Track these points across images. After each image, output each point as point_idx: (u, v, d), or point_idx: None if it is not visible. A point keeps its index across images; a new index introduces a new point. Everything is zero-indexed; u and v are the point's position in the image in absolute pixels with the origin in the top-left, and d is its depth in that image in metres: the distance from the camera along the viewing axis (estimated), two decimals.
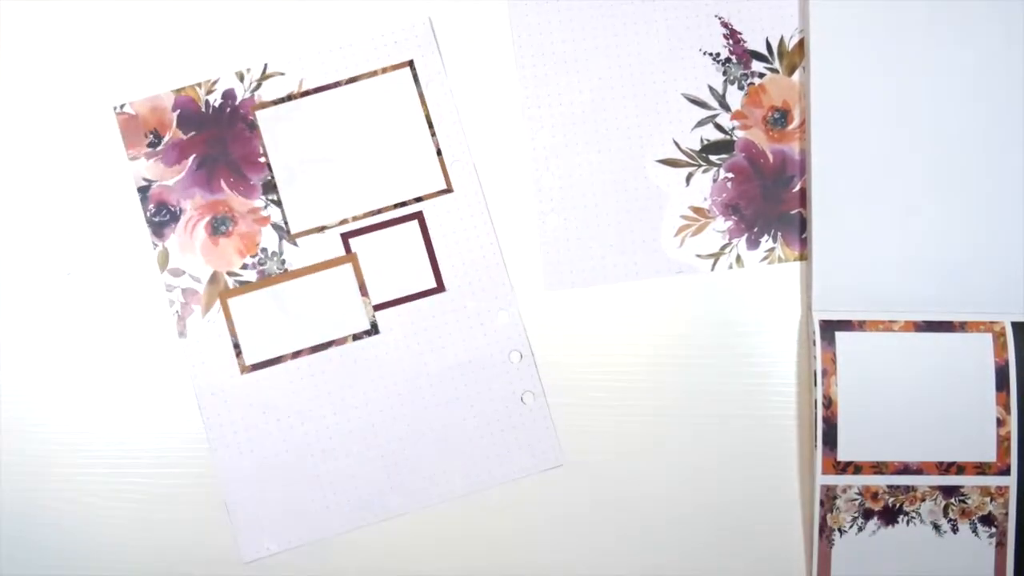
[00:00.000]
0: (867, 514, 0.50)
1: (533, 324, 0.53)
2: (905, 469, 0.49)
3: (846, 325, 0.50)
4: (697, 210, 0.53)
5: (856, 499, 0.50)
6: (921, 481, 0.49)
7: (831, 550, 0.50)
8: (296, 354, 0.53)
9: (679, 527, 0.52)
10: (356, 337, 0.53)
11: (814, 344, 0.50)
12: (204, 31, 0.55)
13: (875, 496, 0.50)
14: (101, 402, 0.53)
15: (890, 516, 0.50)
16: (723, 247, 0.53)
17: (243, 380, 0.53)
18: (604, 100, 0.54)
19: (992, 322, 0.50)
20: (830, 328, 0.50)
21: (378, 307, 0.53)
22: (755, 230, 0.53)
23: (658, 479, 0.52)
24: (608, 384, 0.53)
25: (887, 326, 0.50)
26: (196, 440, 0.53)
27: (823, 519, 0.50)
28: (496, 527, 0.52)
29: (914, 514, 0.50)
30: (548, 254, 0.53)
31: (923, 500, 0.50)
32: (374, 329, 0.53)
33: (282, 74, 0.54)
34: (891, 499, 0.50)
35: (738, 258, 0.53)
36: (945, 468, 0.49)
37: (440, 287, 0.53)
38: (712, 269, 0.53)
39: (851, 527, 0.50)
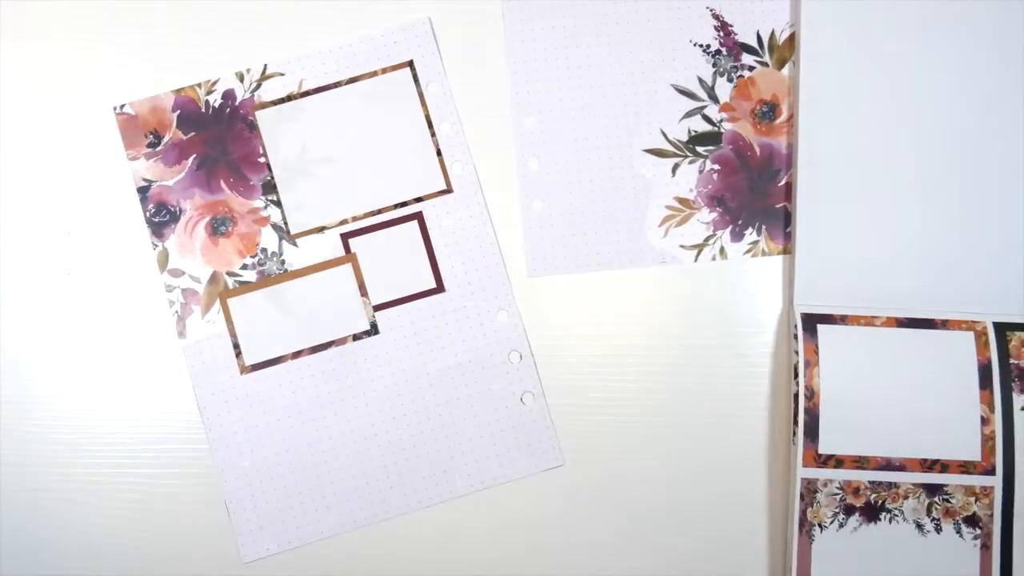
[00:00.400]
0: (848, 510, 0.49)
1: (533, 325, 0.53)
2: (888, 465, 0.49)
3: (828, 319, 0.50)
4: (682, 201, 0.53)
5: (837, 494, 0.49)
6: (904, 478, 0.49)
7: (811, 546, 0.49)
8: (296, 354, 0.53)
9: (679, 526, 0.52)
10: (356, 337, 0.53)
11: (795, 337, 0.50)
12: (204, 31, 0.55)
13: (857, 492, 0.49)
14: (101, 402, 0.53)
15: (872, 513, 0.49)
16: (707, 239, 0.53)
17: (243, 380, 0.53)
18: (593, 88, 0.54)
19: (974, 321, 0.50)
20: (812, 321, 0.50)
21: (378, 307, 0.53)
22: (739, 222, 0.53)
23: (658, 479, 0.52)
24: (608, 384, 0.53)
25: (869, 321, 0.50)
26: (196, 440, 0.53)
27: (803, 513, 0.49)
28: (496, 527, 0.52)
29: (896, 512, 0.49)
30: (531, 240, 0.53)
31: (906, 498, 0.49)
32: (374, 329, 0.53)
33: (282, 74, 0.54)
34: (873, 495, 0.49)
35: (722, 250, 0.53)
36: (929, 466, 0.49)
37: (440, 287, 0.53)
38: (695, 260, 0.53)
39: (832, 522, 0.49)
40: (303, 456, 0.52)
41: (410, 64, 0.54)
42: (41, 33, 0.55)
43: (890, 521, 0.49)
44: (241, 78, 0.54)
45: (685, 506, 0.52)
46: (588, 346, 0.53)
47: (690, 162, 0.53)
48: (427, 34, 0.55)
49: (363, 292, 0.53)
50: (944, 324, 0.50)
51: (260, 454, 0.52)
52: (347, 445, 0.52)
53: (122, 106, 0.54)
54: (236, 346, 0.53)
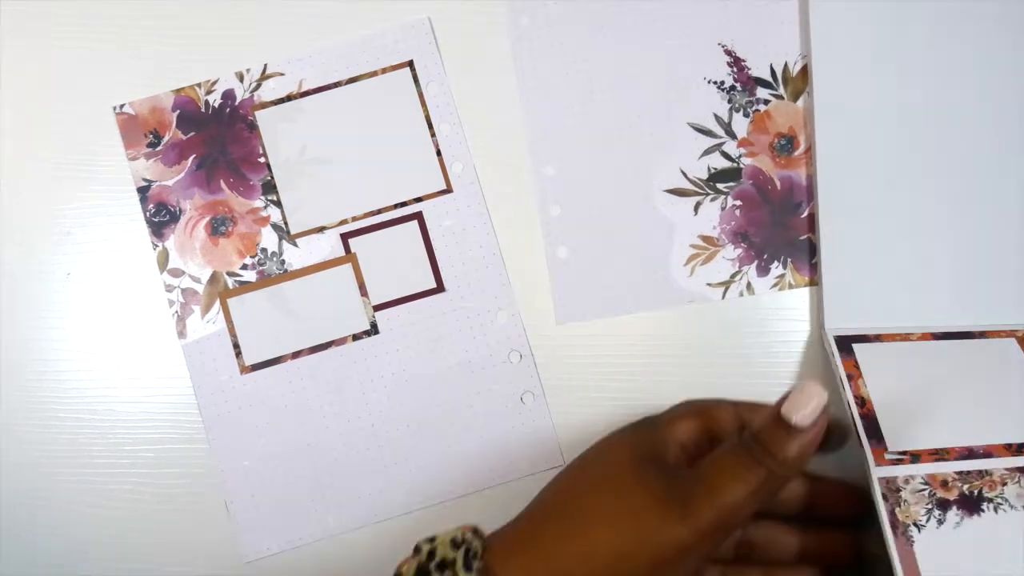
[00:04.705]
0: (942, 504, 0.44)
1: (533, 324, 0.53)
2: (970, 454, 0.44)
3: (862, 339, 0.49)
4: (706, 239, 0.53)
5: (924, 488, 0.44)
6: (994, 464, 0.44)
7: (913, 548, 0.43)
8: (296, 354, 0.53)
9: None
10: (356, 337, 0.53)
11: (832, 355, 0.49)
12: (204, 31, 0.55)
13: (945, 484, 0.44)
14: (100, 402, 0.53)
15: (971, 505, 0.44)
16: (733, 275, 0.53)
17: (243, 380, 0.53)
18: (610, 131, 0.54)
19: (1013, 329, 0.49)
20: (846, 341, 0.49)
21: (378, 307, 0.53)
22: (765, 257, 0.53)
23: None
24: (608, 384, 0.53)
25: (904, 337, 0.49)
26: (196, 440, 0.53)
27: (891, 514, 0.44)
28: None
29: (999, 499, 0.44)
30: (558, 287, 0.53)
31: (1004, 484, 0.44)
32: (374, 329, 0.53)
33: (282, 74, 0.54)
34: (965, 486, 0.44)
35: (748, 285, 0.53)
36: (1016, 449, 0.45)
37: (440, 287, 0.53)
38: (723, 297, 0.53)
39: (927, 519, 0.44)
40: (303, 456, 0.52)
41: (410, 64, 0.54)
42: (41, 32, 0.55)
43: (995, 511, 0.44)
44: (241, 78, 0.54)
45: None
46: (589, 346, 0.53)
47: (712, 199, 0.53)
48: (427, 34, 0.55)
49: (363, 292, 0.53)
50: (982, 335, 0.49)
51: (260, 454, 0.52)
52: (347, 445, 0.52)
53: (122, 106, 0.54)
54: (236, 346, 0.53)
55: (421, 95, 0.54)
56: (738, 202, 0.53)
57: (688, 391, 0.52)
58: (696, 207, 0.53)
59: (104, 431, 0.53)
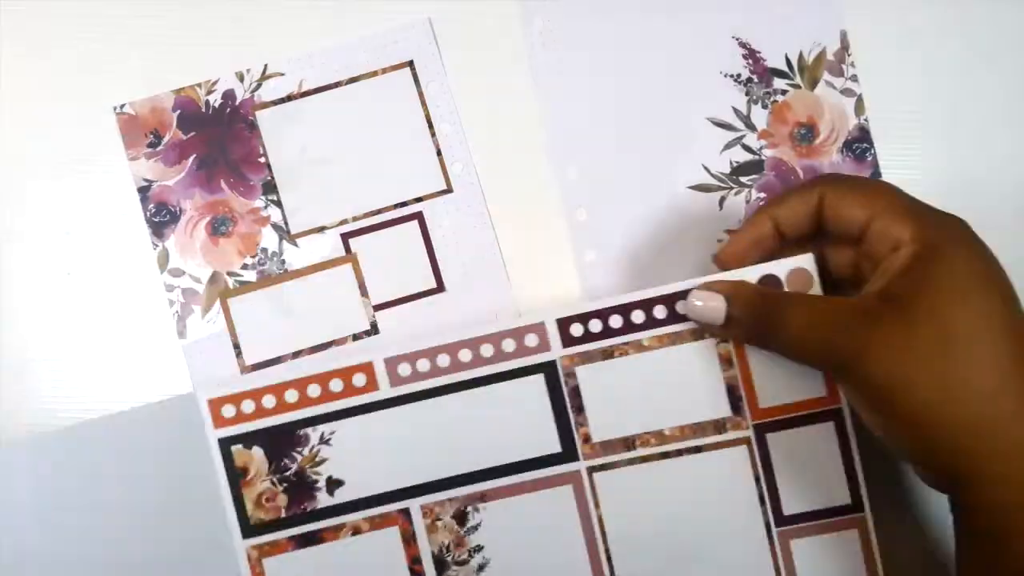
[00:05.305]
0: None
1: None
2: None
3: None
4: (732, 233, 0.53)
5: None
6: None
7: None
8: (296, 354, 0.53)
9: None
10: (356, 337, 0.53)
11: None
12: (204, 31, 0.55)
13: None
14: (100, 403, 0.53)
15: None
16: None
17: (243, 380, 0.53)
18: (629, 131, 0.54)
19: None
20: None
21: (378, 307, 0.53)
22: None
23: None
24: None
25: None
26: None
27: None
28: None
29: None
30: (588, 291, 0.53)
31: None
32: (374, 329, 0.53)
33: (282, 74, 0.54)
34: None
35: None
36: None
37: (440, 287, 0.53)
38: None
39: None
40: None
41: (410, 64, 0.54)
42: (41, 32, 0.55)
43: None
44: (241, 78, 0.54)
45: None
46: None
47: (736, 193, 0.53)
48: (427, 34, 0.55)
49: (363, 292, 0.53)
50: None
51: None
52: None
53: (122, 106, 0.54)
54: (236, 346, 0.53)
55: (421, 95, 0.54)
56: (762, 195, 0.53)
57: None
58: (721, 202, 0.53)
59: (104, 431, 0.53)
